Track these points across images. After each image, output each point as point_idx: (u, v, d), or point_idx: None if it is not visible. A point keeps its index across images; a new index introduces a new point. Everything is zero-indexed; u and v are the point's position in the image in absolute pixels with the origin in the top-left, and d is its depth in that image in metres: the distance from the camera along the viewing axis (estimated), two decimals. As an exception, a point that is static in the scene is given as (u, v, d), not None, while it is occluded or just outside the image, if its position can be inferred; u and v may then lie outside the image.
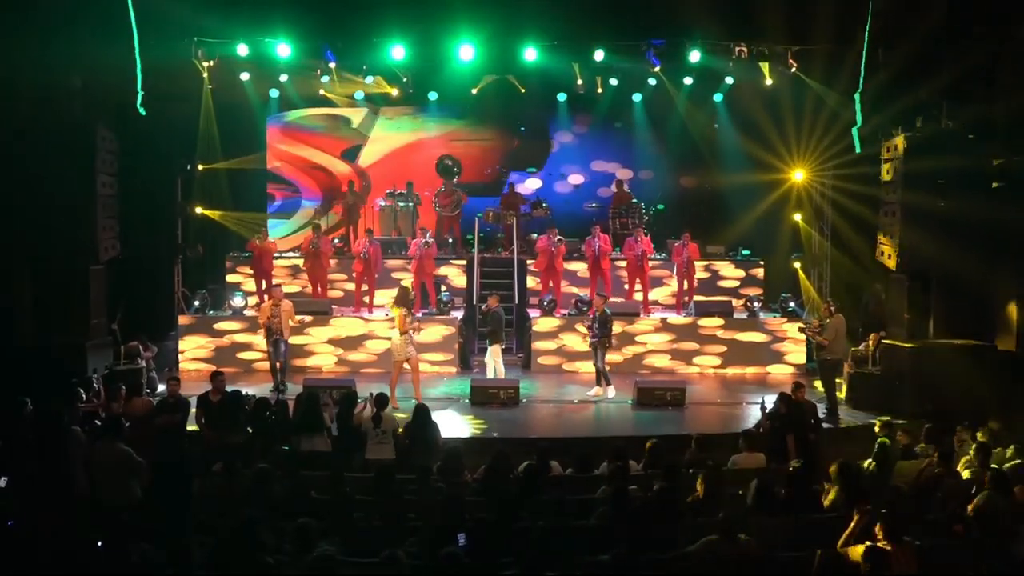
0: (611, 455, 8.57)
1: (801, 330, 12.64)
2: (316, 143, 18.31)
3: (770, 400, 9.96)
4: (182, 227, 16.05)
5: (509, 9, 11.86)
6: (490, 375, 12.72)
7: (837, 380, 11.88)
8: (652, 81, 15.79)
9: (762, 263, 16.33)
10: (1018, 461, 8.62)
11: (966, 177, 11.16)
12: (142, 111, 10.41)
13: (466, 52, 12.83)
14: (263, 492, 7.32)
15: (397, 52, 13.31)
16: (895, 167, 11.60)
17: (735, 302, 15.17)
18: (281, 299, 12.24)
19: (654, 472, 8.52)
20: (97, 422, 9.70)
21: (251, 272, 15.50)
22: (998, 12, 11.11)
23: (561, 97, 17.18)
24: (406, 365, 11.78)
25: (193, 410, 9.99)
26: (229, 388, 10.11)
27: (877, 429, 9.77)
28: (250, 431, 9.60)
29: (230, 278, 15.95)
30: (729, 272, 16.27)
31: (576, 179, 18.69)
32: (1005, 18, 11.15)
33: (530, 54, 12.91)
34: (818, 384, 12.28)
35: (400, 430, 9.48)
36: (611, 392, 12.52)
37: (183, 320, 14.28)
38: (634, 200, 17.39)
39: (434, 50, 13.52)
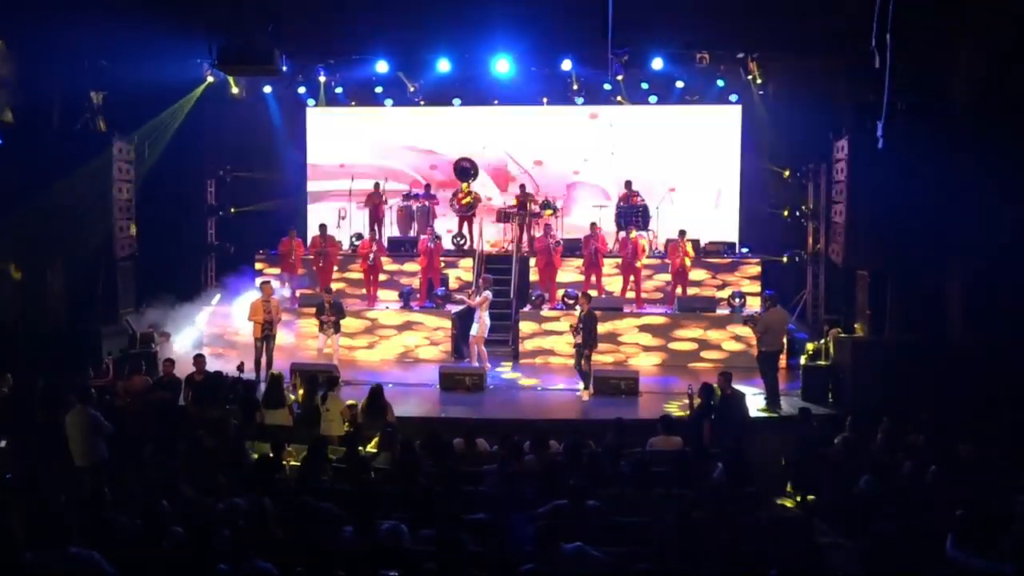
0: (533, 436, 9.50)
1: (744, 322, 13.14)
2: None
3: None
4: (215, 227, 17.71)
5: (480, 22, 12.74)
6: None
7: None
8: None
9: (759, 260, 16.68)
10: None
11: (913, 177, 11.42)
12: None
13: (443, 65, 13.85)
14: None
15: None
16: (843, 167, 11.99)
17: (719, 297, 15.66)
18: (271, 295, 13.43)
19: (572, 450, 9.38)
20: (107, 396, 11.22)
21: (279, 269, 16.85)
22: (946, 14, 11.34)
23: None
24: None
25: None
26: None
27: (798, 418, 10.34)
28: (227, 407, 10.89)
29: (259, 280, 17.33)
30: (726, 269, 16.69)
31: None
32: (955, 19, 11.38)
33: (502, 65, 13.85)
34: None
35: (360, 408, 10.64)
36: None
37: (205, 311, 15.77)
38: (640, 200, 18.01)
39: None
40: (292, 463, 8.88)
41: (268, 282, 13.76)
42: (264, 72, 13.33)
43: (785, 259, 16.19)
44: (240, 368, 11.32)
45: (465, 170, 19.05)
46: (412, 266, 16.66)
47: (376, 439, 9.86)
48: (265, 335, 13.09)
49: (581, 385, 12.87)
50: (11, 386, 10.94)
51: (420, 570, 5.68)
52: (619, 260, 16.18)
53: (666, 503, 7.78)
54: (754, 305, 14.97)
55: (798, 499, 9.28)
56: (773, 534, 7.23)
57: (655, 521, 6.90)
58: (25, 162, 12.64)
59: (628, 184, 18.52)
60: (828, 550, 7.34)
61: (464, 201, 17.94)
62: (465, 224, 18.07)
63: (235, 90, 16.51)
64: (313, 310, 14.12)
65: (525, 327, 15.26)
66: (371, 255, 15.99)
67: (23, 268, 13.09)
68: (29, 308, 13.07)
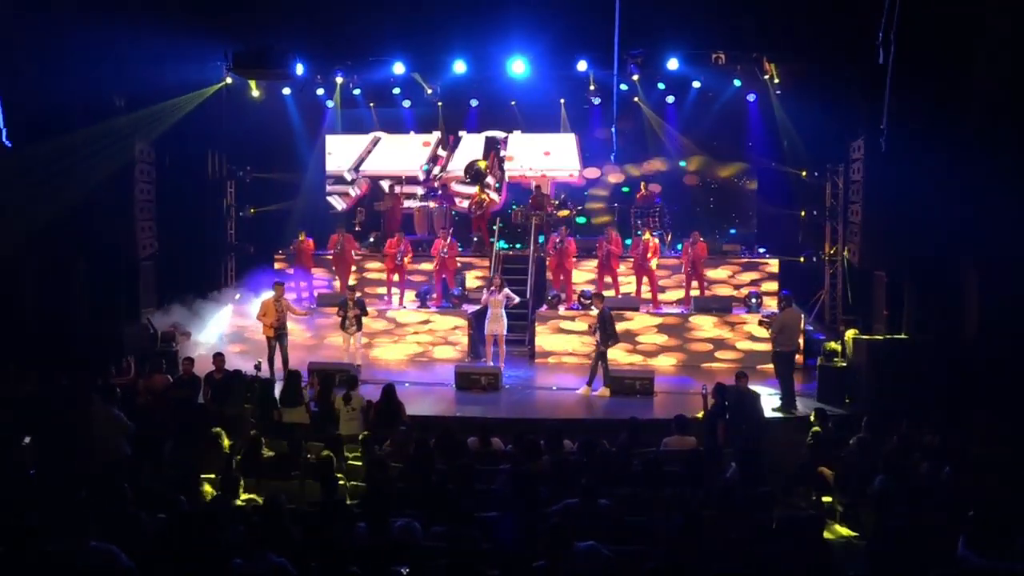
0: (546, 435, 9.55)
1: (760, 323, 13.13)
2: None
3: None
4: (235, 227, 17.91)
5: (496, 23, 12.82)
6: None
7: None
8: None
9: (776, 260, 16.59)
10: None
11: (929, 178, 11.38)
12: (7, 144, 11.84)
13: (459, 66, 13.95)
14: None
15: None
16: (859, 168, 11.95)
17: (736, 297, 15.62)
18: (282, 295, 13.54)
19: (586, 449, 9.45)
20: (129, 394, 11.38)
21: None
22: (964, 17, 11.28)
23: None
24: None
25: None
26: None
27: (812, 418, 10.32)
28: (245, 405, 11.04)
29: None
30: (744, 269, 16.59)
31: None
32: (972, 23, 11.32)
33: (518, 67, 13.92)
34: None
35: (374, 407, 10.71)
36: (598, 391, 12.87)
37: (226, 309, 15.95)
38: (656, 201, 18.04)
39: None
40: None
41: (280, 283, 13.84)
42: (278, 77, 13.51)
43: (802, 259, 16.13)
44: (257, 367, 11.46)
45: (478, 172, 19.25)
46: (428, 266, 16.76)
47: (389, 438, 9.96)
48: (278, 334, 13.23)
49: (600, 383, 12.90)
50: (35, 384, 11.16)
51: (432, 566, 5.75)
52: (632, 261, 16.18)
53: (678, 503, 7.83)
54: (771, 305, 14.94)
55: (812, 499, 9.28)
56: (784, 534, 7.23)
57: (665, 520, 6.93)
58: (48, 163, 12.85)
59: (645, 183, 18.59)
60: (840, 550, 7.36)
61: (478, 200, 18.07)
62: (479, 225, 18.22)
63: (255, 92, 16.70)
64: (334, 309, 14.25)
65: (542, 327, 15.32)
66: (398, 255, 16.11)
67: (46, 267, 13.30)
68: (52, 307, 13.28)
